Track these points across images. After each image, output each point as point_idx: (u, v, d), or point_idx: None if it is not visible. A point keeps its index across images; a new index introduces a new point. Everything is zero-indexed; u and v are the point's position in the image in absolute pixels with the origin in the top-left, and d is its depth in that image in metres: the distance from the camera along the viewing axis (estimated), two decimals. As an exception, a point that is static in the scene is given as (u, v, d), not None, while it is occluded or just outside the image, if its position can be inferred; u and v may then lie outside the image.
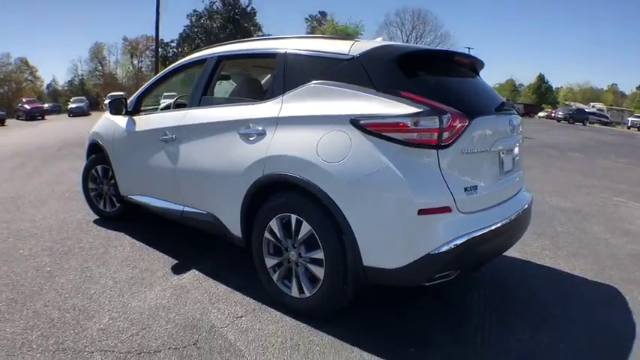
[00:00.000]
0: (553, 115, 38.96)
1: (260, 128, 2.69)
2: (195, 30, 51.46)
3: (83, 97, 39.34)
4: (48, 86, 65.63)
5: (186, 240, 3.82)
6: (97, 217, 4.38)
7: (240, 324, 2.50)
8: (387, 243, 2.22)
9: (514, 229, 2.66)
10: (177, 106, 3.91)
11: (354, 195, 2.26)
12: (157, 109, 4.23)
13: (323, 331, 2.42)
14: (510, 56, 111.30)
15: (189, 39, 50.82)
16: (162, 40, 52.52)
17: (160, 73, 3.94)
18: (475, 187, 2.31)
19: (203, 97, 3.25)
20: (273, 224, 2.61)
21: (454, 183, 2.23)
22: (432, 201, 2.16)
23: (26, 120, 30.22)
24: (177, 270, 3.22)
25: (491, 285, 3.12)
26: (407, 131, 2.15)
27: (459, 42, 71.48)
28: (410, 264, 2.16)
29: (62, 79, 76.60)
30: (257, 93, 3.23)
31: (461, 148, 2.27)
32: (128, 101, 3.89)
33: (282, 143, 2.55)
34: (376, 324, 2.53)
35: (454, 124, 2.21)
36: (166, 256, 3.47)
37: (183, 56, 4.23)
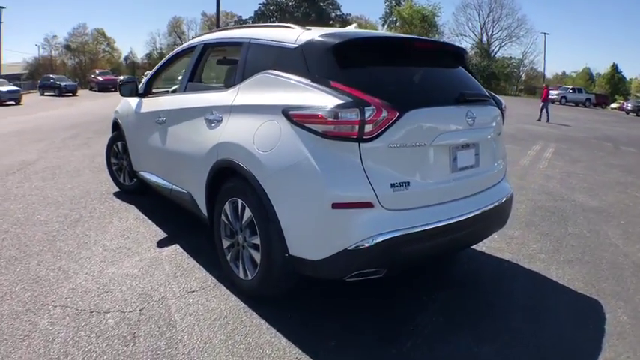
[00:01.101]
0: (623, 106, 36.21)
1: (219, 115, 2.85)
2: (271, 8, 52.43)
3: None
4: (126, 58, 66.40)
5: (186, 216, 4.12)
6: (117, 189, 4.86)
7: (189, 298, 2.71)
8: (306, 234, 2.28)
9: (472, 227, 2.56)
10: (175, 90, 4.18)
11: (279, 185, 2.34)
12: (167, 91, 4.54)
13: (257, 313, 2.55)
14: (587, 44, 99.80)
15: (265, 16, 51.94)
16: (240, 17, 54.42)
17: (164, 59, 4.22)
18: (406, 184, 2.24)
19: (189, 82, 3.48)
20: (227, 207, 2.76)
21: (378, 178, 2.17)
22: (349, 195, 2.15)
23: (98, 91, 31.08)
24: (162, 243, 3.53)
25: (457, 285, 3.04)
26: (325, 123, 2.15)
27: (535, 27, 66.47)
28: (328, 257, 2.19)
29: (141, 52, 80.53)
30: (226, 80, 3.38)
31: (389, 142, 2.18)
32: (141, 83, 4.25)
33: (231, 131, 2.69)
34: (311, 314, 2.59)
35: (379, 117, 2.14)
36: (160, 230, 3.80)
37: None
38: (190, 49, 3.70)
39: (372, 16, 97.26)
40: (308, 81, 2.35)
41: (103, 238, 3.58)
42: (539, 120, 17.02)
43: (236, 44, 3.10)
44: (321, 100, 2.22)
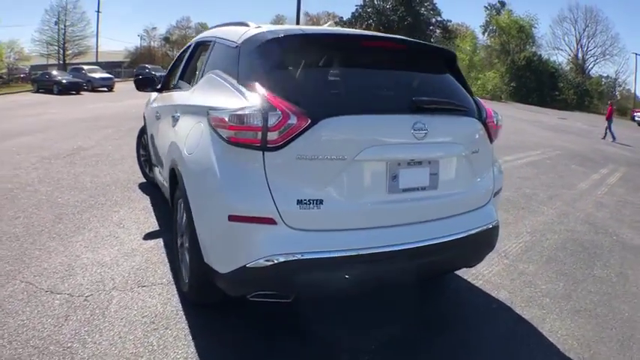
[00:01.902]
0: None
1: (177, 114, 2.92)
2: (368, 10, 52.33)
3: None
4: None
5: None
6: (144, 180, 5.22)
7: (135, 293, 2.81)
8: (213, 245, 2.21)
9: (423, 259, 2.24)
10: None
11: (194, 189, 2.32)
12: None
13: (187, 319, 2.54)
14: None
15: (361, 18, 51.97)
16: (341, 17, 55.29)
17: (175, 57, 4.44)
18: (318, 202, 2.00)
19: (179, 80, 3.63)
20: (177, 207, 2.82)
21: (283, 192, 1.98)
22: (248, 208, 2.00)
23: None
24: (149, 235, 3.72)
25: (419, 322, 2.72)
26: (228, 128, 2.03)
27: (627, 47, 60.12)
28: (232, 272, 2.09)
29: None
30: (192, 80, 3.42)
31: (297, 153, 1.97)
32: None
33: (178, 130, 2.74)
34: (237, 332, 2.49)
35: (284, 124, 1.94)
36: (157, 222, 4.01)
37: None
38: (189, 46, 3.85)
39: (474, 24, 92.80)
40: (235, 82, 2.24)
41: (100, 225, 3.87)
42: (604, 139, 15.63)
43: (208, 43, 3.13)
44: (233, 102, 2.11)
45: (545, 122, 19.40)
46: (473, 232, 2.41)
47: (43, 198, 4.55)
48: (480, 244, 2.56)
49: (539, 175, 7.30)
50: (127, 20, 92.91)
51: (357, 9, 52.94)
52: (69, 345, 2.27)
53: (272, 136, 1.95)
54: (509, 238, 4.22)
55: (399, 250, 2.15)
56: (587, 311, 2.97)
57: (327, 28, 2.41)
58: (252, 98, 2.03)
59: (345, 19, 53.73)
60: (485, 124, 2.53)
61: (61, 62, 38.07)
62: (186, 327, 2.48)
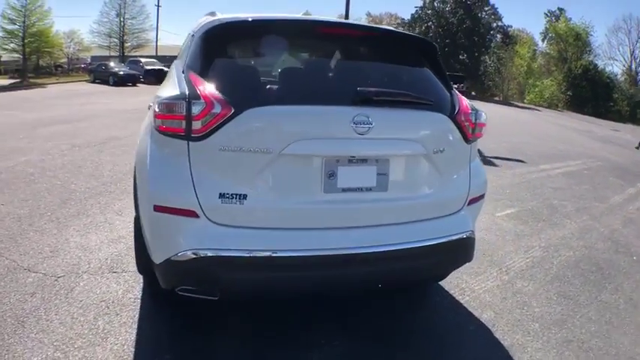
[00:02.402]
0: None
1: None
2: (428, 12, 51.30)
3: None
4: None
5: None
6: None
7: (104, 278, 2.89)
8: (147, 235, 2.19)
9: (369, 267, 2.08)
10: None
11: (137, 179, 2.34)
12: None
13: (139, 307, 2.57)
14: None
15: (420, 20, 51.08)
16: (403, 19, 54.75)
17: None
18: (241, 197, 1.91)
19: None
20: None
21: (205, 185, 1.91)
22: (171, 199, 1.94)
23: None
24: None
25: (375, 338, 2.58)
26: (156, 117, 1.99)
27: None
28: (161, 263, 2.06)
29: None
30: None
31: (220, 144, 1.88)
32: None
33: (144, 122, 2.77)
34: (179, 328, 2.48)
35: (208, 113, 1.86)
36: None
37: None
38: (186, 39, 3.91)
39: (534, 30, 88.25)
40: (181, 71, 2.20)
41: (100, 212, 4.04)
42: (638, 148, 14.07)
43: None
44: (169, 91, 2.08)
45: (595, 133, 17.87)
46: (436, 242, 2.20)
47: (57, 183, 4.84)
48: (447, 257, 2.33)
49: (572, 185, 6.70)
50: (187, 14, 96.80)
51: (416, 10, 52.05)
52: (24, 319, 2.38)
53: (196, 125, 1.88)
54: (518, 253, 3.89)
55: (336, 256, 2.00)
56: (580, 342, 2.62)
57: (286, 15, 2.24)
58: (183, 87, 1.99)
59: (405, 20, 53.19)
60: (455, 121, 2.27)
61: (120, 54, 39.91)
62: (137, 314, 2.51)
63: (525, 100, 43.36)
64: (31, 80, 27.02)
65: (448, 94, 2.37)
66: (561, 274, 3.53)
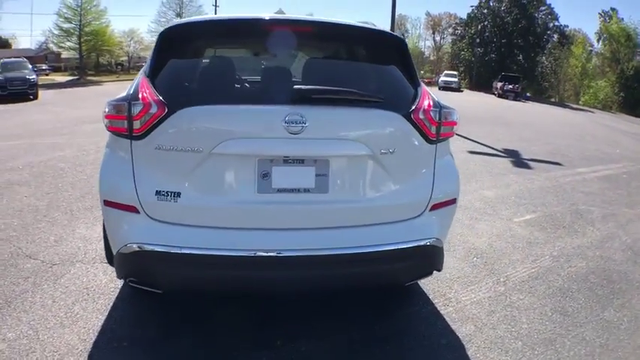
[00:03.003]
0: None
1: None
2: (484, 11, 49.61)
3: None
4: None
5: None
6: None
7: (96, 267, 3.06)
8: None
9: (308, 271, 2.06)
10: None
11: None
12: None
13: (117, 295, 2.71)
14: None
15: (476, 19, 49.58)
16: (461, 18, 53.50)
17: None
18: (175, 194, 1.98)
19: None
20: None
21: (144, 182, 2.01)
22: (116, 195, 2.06)
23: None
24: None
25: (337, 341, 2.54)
26: (105, 117, 2.09)
27: None
28: (115, 255, 2.16)
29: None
30: None
31: (156, 143, 1.97)
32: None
33: None
34: (155, 309, 2.59)
35: (146, 113, 1.95)
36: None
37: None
38: None
39: (590, 31, 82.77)
40: (139, 75, 2.28)
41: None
42: None
43: None
44: (122, 94, 2.18)
45: (645, 135, 16.46)
46: (384, 248, 2.11)
47: (83, 178, 5.19)
48: (401, 265, 2.22)
49: (606, 190, 6.18)
50: (245, 13, 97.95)
51: (472, 10, 50.50)
52: (11, 300, 2.60)
53: (136, 124, 1.98)
54: (524, 262, 3.66)
55: (269, 257, 1.99)
56: (567, 361, 2.43)
57: (233, 14, 2.26)
58: (131, 89, 2.10)
59: (463, 19, 52.06)
60: (411, 119, 2.15)
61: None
62: (112, 303, 2.64)
63: (580, 102, 41.02)
64: (89, 78, 28.78)
65: (411, 90, 2.25)
66: (565, 287, 3.27)
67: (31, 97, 15.92)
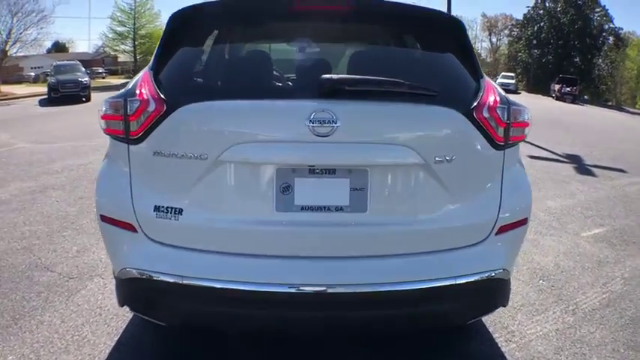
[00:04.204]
0: None
1: None
2: (540, 12, 47.56)
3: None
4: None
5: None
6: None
7: (112, 284, 2.82)
8: None
9: (312, 312, 1.65)
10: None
11: None
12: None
13: (129, 319, 2.42)
14: None
15: (533, 20, 47.67)
16: (517, 19, 51.68)
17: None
18: (176, 211, 1.64)
19: None
20: None
21: (142, 196, 1.68)
22: (112, 210, 1.75)
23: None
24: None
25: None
26: (101, 118, 1.77)
27: None
28: (115, 278, 1.86)
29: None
30: None
31: (154, 148, 1.63)
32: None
33: None
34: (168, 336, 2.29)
35: (143, 111, 1.62)
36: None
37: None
38: None
39: None
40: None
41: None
42: None
43: None
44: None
45: None
46: (437, 284, 1.67)
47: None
48: (459, 303, 1.77)
49: None
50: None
51: (528, 10, 48.52)
52: (19, 318, 2.41)
53: (133, 126, 1.65)
54: (594, 285, 3.10)
55: (286, 293, 1.60)
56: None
57: None
58: (130, 85, 1.79)
59: (519, 20, 50.31)
60: (474, 118, 1.69)
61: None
62: (124, 324, 2.38)
63: (637, 106, 38.18)
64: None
65: (472, 83, 1.80)
66: (638, 316, 2.72)
67: (84, 99, 16.39)
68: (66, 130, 9.49)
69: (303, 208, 1.63)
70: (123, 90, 1.79)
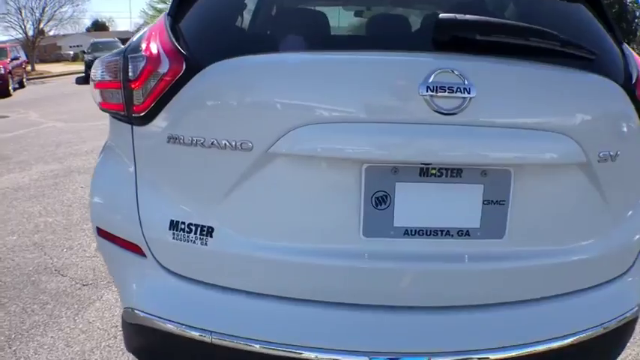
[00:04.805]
0: None
1: None
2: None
3: None
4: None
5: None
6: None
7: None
8: None
9: None
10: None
11: None
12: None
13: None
14: None
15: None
16: None
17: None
18: (206, 231, 1.06)
19: None
20: None
21: (152, 205, 1.13)
22: (111, 223, 1.22)
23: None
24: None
25: None
26: (95, 86, 1.21)
27: None
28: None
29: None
30: None
31: (169, 131, 1.05)
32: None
33: None
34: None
35: (151, 73, 1.05)
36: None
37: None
38: None
39: None
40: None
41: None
42: None
43: None
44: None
45: None
46: (586, 333, 1.13)
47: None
48: (590, 352, 1.24)
49: None
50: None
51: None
52: (15, 337, 1.97)
53: (137, 96, 1.07)
54: None
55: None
56: None
57: None
58: (138, 35, 1.21)
59: None
60: (634, 96, 1.12)
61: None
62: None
63: None
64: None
65: (616, 51, 1.21)
66: None
67: (121, 76, 16.39)
68: (99, 108, 9.22)
69: (407, 233, 1.03)
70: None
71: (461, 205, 1.03)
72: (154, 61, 1.05)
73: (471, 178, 1.02)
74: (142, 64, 1.06)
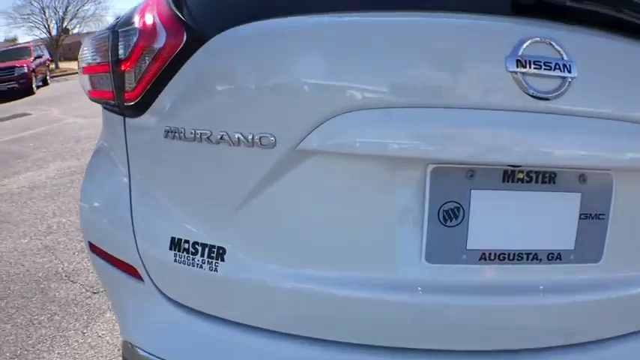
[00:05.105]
0: None
1: None
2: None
3: None
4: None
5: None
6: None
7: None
8: None
9: None
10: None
11: None
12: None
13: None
14: None
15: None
16: None
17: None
18: (216, 252, 0.81)
19: None
20: None
21: (148, 218, 0.90)
22: (104, 239, 1.00)
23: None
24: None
25: None
26: (83, 71, 0.99)
27: None
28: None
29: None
30: None
31: (166, 123, 0.81)
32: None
33: None
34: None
35: (144, 51, 0.81)
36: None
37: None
38: None
39: None
40: None
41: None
42: None
43: None
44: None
45: None
46: None
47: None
48: None
49: None
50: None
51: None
52: (21, 352, 1.80)
53: (129, 80, 0.84)
54: None
55: None
56: None
57: None
58: (135, 7, 0.93)
59: None
60: None
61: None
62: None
63: None
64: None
65: None
66: None
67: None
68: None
69: (483, 257, 0.76)
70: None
71: (553, 220, 0.76)
72: (147, 34, 0.81)
73: (566, 184, 0.75)
74: (134, 38, 0.82)
